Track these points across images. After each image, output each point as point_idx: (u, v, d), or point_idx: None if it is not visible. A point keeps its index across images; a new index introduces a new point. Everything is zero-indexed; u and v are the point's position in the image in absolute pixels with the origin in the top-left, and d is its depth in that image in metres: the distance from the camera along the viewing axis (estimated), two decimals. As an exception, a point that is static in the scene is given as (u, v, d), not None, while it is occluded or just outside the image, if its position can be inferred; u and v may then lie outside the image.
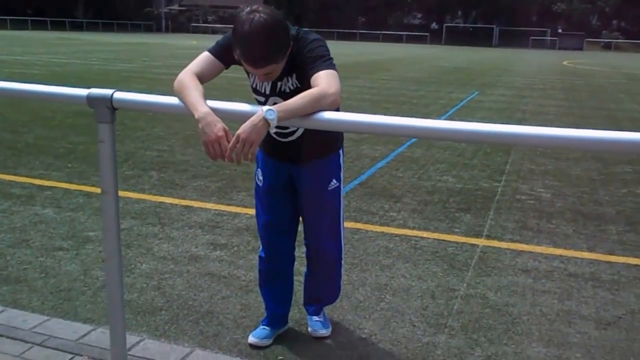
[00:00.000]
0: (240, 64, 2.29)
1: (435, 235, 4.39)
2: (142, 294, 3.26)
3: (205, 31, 71.67)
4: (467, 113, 10.82)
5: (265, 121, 1.95)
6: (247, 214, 4.75)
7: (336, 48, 39.81)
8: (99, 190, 5.26)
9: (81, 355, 2.59)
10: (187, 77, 2.22)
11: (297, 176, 2.65)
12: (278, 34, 2.14)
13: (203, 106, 2.07)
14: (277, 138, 2.54)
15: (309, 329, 2.92)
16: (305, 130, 2.47)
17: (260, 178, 2.71)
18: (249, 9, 2.16)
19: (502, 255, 4.03)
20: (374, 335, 2.92)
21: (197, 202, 5.03)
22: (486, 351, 2.80)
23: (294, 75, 2.35)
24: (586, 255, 4.09)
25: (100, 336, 2.77)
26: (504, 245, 4.24)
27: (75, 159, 6.39)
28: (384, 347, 2.82)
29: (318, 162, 2.63)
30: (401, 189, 5.60)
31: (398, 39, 63.19)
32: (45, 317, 2.95)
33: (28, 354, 2.57)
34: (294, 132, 2.50)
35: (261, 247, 2.83)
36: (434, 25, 72.81)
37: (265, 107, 1.96)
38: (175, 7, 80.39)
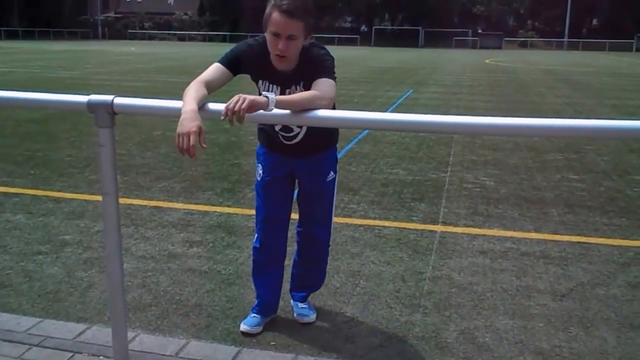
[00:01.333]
0: (247, 71, 2.48)
1: (396, 224, 4.52)
2: (128, 292, 3.23)
3: (142, 37, 70.06)
4: (407, 110, 11.07)
5: (265, 98, 2.10)
6: (215, 211, 4.75)
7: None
8: (66, 195, 5.22)
9: (81, 353, 2.56)
10: (192, 84, 2.29)
11: (299, 169, 2.77)
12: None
13: (191, 104, 2.15)
14: (284, 141, 2.65)
15: (296, 316, 2.98)
16: (308, 130, 2.60)
17: (260, 172, 2.80)
18: None
19: (460, 239, 4.21)
20: (355, 318, 3.01)
21: (165, 202, 4.99)
22: (459, 326, 2.94)
23: (302, 84, 2.46)
24: (534, 235, 4.32)
25: (97, 333, 2.74)
26: (459, 230, 4.41)
27: (36, 165, 6.19)
28: (366, 328, 2.92)
29: (319, 155, 2.76)
30: (357, 182, 5.72)
31: (330, 42, 63.52)
32: (38, 319, 2.89)
33: (28, 354, 2.52)
34: (297, 134, 2.62)
35: (257, 238, 2.89)
36: (363, 28, 73.73)
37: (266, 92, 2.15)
38: (112, 14, 78.20)
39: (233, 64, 2.45)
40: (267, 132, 2.75)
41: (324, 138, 2.73)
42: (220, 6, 68.79)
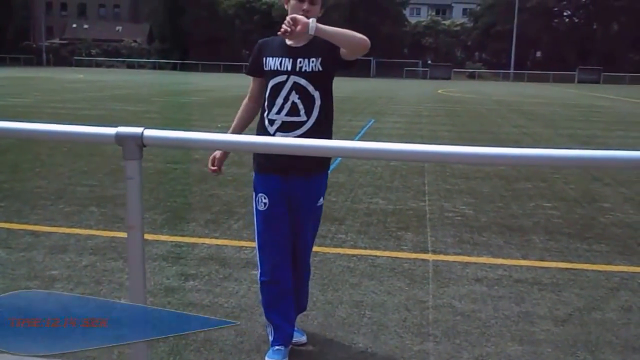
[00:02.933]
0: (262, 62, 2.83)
1: (387, 254, 4.59)
2: (132, 329, 3.16)
3: (89, 64, 68.81)
4: (373, 140, 11.25)
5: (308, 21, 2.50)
6: (204, 243, 4.71)
7: (225, 80, 39.65)
8: (44, 229, 5.07)
9: (98, 394, 2.49)
10: (240, 108, 3.00)
11: (295, 191, 2.82)
12: None
13: None
14: (283, 134, 2.73)
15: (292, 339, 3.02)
16: (311, 127, 2.72)
17: (265, 201, 2.82)
18: None
19: (453, 267, 4.31)
20: (369, 349, 3.04)
21: (150, 235, 4.90)
22: (472, 353, 3.01)
23: (320, 59, 2.70)
24: (523, 262, 4.46)
25: (110, 373, 2.67)
26: (450, 258, 4.52)
27: (4, 197, 5.99)
28: (382, 358, 2.95)
29: (312, 178, 2.85)
30: (340, 212, 5.78)
31: (284, 71, 64.13)
32: (44, 359, 2.79)
33: (44, 397, 2.43)
34: (301, 124, 2.72)
35: (263, 271, 2.89)
36: (316, 58, 74.63)
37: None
38: (57, 40, 76.61)
39: (255, 70, 2.90)
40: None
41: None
42: (170, 34, 68.54)
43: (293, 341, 2.99)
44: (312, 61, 2.71)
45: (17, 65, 62.77)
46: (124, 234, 4.86)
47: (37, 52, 71.77)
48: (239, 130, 2.96)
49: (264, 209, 2.83)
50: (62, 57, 71.31)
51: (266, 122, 2.78)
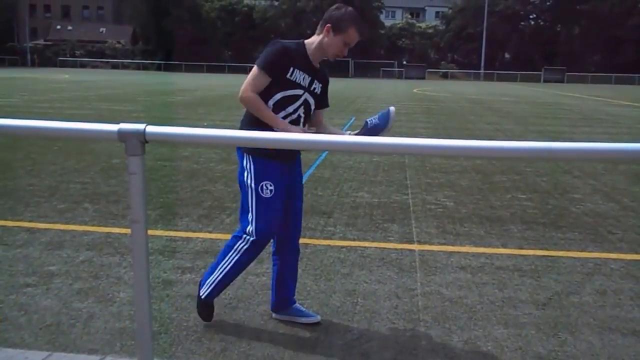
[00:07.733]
0: (282, 67, 2.81)
1: (375, 245, 4.61)
2: (133, 321, 3.14)
3: (73, 65, 67.79)
4: (354, 136, 11.27)
5: None
6: (198, 237, 4.68)
7: (209, 80, 39.29)
8: (39, 226, 4.99)
9: (105, 383, 2.47)
10: (254, 98, 2.80)
11: (292, 173, 3.02)
12: None
13: (283, 123, 2.82)
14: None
15: (304, 319, 3.14)
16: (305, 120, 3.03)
17: (271, 188, 2.88)
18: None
19: (438, 256, 4.35)
20: (364, 335, 3.06)
21: (145, 230, 4.86)
22: (461, 337, 3.05)
23: (321, 86, 2.97)
24: (502, 251, 4.52)
25: (115, 363, 2.65)
26: (435, 248, 4.56)
27: (-1, 195, 5.89)
28: (377, 344, 2.97)
29: (297, 160, 3.09)
30: (327, 206, 5.79)
31: (264, 71, 63.77)
32: (46, 353, 2.75)
33: (52, 388, 2.41)
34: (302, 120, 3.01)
35: (251, 256, 3.01)
36: (295, 58, 74.39)
37: None
38: (41, 41, 75.28)
39: (272, 70, 2.80)
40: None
41: None
42: (153, 36, 67.82)
43: (313, 320, 3.15)
44: (320, 86, 2.97)
45: (2, 66, 61.56)
46: (119, 230, 4.85)
47: (22, 53, 70.52)
48: None
49: (270, 195, 2.88)
50: (46, 58, 70.16)
51: None
